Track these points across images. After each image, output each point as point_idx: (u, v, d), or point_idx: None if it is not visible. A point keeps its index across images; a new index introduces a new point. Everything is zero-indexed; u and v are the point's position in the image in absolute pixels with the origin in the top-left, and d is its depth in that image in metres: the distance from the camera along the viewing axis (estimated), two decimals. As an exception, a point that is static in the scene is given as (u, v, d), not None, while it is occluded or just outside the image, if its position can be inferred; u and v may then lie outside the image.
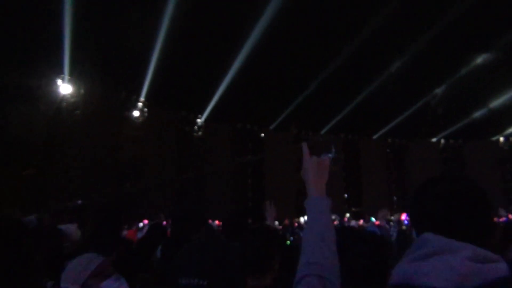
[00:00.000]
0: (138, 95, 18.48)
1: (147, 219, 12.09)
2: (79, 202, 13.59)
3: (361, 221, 15.07)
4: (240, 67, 17.56)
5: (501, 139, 24.29)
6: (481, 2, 13.91)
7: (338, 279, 1.23)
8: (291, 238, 9.17)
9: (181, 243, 2.73)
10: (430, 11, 15.17)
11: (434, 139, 25.04)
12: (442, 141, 25.13)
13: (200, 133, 21.36)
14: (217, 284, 1.19)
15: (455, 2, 14.37)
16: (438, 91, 19.82)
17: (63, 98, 15.30)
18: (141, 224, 11.33)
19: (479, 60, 17.59)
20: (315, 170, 1.57)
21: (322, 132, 21.93)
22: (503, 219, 10.62)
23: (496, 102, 19.90)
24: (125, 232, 7.85)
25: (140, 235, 8.17)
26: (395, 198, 24.39)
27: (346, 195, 24.25)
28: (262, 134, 23.32)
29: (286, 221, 15.64)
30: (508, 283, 0.97)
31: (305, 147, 1.65)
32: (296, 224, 17.08)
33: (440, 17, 15.18)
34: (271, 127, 22.94)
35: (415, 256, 1.07)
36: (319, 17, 16.10)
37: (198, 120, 21.35)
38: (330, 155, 1.72)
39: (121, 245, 3.24)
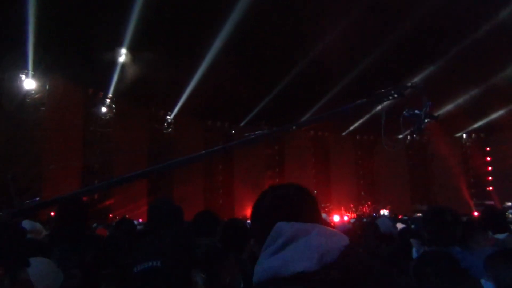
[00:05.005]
0: (106, 92, 18.13)
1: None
2: (37, 199, 13.21)
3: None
4: (210, 64, 17.47)
5: (464, 135, 25.15)
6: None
7: None
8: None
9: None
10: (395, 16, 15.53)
11: (401, 136, 25.59)
12: (409, 137, 25.76)
13: (170, 130, 21.18)
14: (170, 264, 1.19)
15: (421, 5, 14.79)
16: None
17: (27, 94, 14.84)
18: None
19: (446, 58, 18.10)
20: None
21: (291, 129, 22.06)
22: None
23: (461, 99, 20.54)
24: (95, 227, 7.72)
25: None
26: (363, 193, 24.88)
27: (315, 191, 24.58)
28: (233, 131, 23.34)
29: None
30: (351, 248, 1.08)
31: None
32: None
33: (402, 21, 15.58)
34: (241, 124, 22.96)
35: (276, 247, 1.10)
36: (288, 15, 16.21)
37: (168, 117, 21.16)
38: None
39: (91, 241, 3.19)
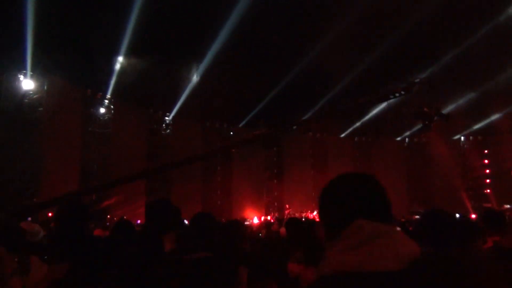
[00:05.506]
0: (104, 93, 18.11)
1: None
2: (34, 200, 13.25)
3: None
4: (209, 65, 17.50)
5: (462, 138, 25.19)
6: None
7: None
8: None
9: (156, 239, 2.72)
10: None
11: (398, 138, 25.70)
12: (407, 139, 25.82)
13: (168, 130, 21.15)
14: (221, 257, 1.32)
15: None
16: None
17: (25, 95, 14.81)
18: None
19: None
20: None
21: (291, 130, 22.12)
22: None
23: (459, 102, 20.59)
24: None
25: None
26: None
27: (313, 193, 24.56)
28: (231, 132, 23.33)
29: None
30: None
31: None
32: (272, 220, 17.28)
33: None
34: (240, 125, 22.96)
35: (355, 242, 1.10)
36: (288, 17, 16.25)
37: (167, 118, 21.14)
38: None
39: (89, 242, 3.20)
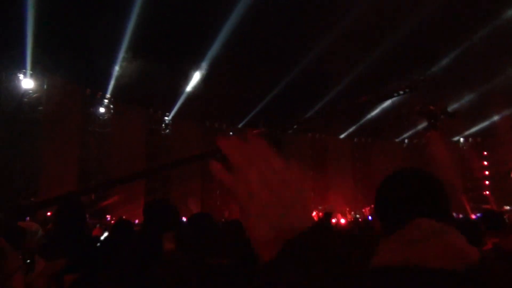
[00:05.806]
0: (104, 92, 18.10)
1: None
2: (32, 200, 13.25)
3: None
4: (209, 65, 17.49)
5: (461, 139, 25.20)
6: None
7: None
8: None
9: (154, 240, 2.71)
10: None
11: (398, 139, 25.68)
12: (406, 140, 25.80)
13: (168, 130, 21.14)
14: (241, 264, 1.31)
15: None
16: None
17: (25, 94, 14.80)
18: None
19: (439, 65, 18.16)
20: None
21: (291, 130, 22.11)
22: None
23: (458, 103, 20.59)
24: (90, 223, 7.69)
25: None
26: (360, 195, 24.87)
27: (312, 193, 24.56)
28: (231, 132, 23.31)
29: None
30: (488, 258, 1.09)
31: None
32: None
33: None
34: (239, 125, 22.94)
35: (414, 237, 1.09)
36: (288, 17, 16.25)
37: (166, 118, 21.12)
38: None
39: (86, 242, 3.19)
